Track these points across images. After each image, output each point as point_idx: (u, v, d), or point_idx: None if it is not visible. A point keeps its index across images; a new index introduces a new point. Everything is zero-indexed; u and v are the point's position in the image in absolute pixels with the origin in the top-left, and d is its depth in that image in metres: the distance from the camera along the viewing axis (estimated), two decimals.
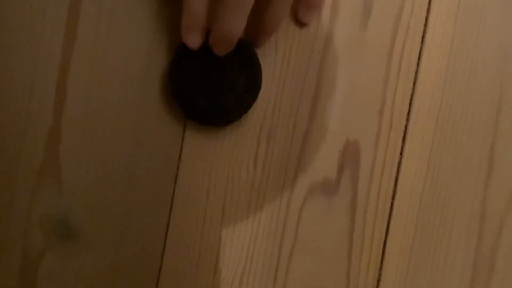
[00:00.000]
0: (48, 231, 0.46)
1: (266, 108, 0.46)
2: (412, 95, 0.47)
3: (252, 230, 0.47)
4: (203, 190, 0.47)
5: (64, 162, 0.46)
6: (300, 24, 0.46)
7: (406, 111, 0.47)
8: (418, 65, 0.47)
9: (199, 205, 0.47)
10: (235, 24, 0.42)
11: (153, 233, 0.46)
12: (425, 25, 0.47)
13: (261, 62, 0.45)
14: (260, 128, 0.47)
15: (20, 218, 0.46)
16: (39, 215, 0.46)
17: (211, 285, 0.47)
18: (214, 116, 0.44)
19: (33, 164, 0.46)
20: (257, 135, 0.47)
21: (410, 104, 0.47)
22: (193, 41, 0.43)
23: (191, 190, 0.46)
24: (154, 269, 0.46)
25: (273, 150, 0.47)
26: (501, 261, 0.48)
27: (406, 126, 0.47)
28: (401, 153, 0.47)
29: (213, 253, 0.47)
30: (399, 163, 0.47)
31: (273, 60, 0.46)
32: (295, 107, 0.47)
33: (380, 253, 0.47)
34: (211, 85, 0.44)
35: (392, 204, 0.47)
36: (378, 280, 0.47)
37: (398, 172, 0.47)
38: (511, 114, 0.48)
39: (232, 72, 0.44)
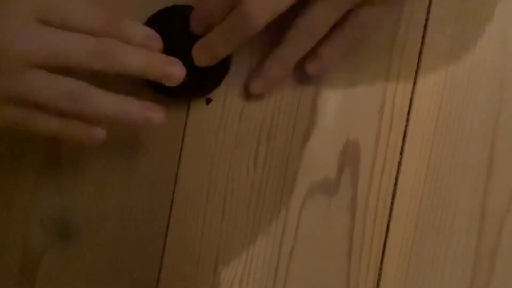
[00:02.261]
0: (48, 231, 0.46)
1: (266, 108, 0.46)
2: (412, 95, 0.47)
3: (252, 230, 0.47)
4: (203, 190, 0.47)
5: (64, 162, 0.46)
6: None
7: (406, 111, 0.47)
8: (418, 65, 0.47)
9: (199, 205, 0.47)
10: (226, 44, 0.41)
11: (153, 233, 0.46)
12: (425, 25, 0.47)
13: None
14: (260, 128, 0.46)
15: (20, 218, 0.46)
16: (39, 215, 0.46)
17: (211, 285, 0.47)
18: (181, 87, 0.43)
19: (33, 164, 0.46)
20: (257, 135, 0.46)
21: (410, 104, 0.47)
22: (200, 30, 0.43)
23: (191, 190, 0.46)
24: (154, 269, 0.46)
25: (273, 150, 0.47)
26: (501, 261, 0.48)
27: (406, 126, 0.47)
28: (401, 153, 0.47)
29: (213, 253, 0.47)
30: (399, 163, 0.47)
31: None
32: (295, 107, 0.47)
33: (380, 253, 0.47)
34: (181, 59, 0.42)
35: (392, 204, 0.47)
36: (378, 280, 0.47)
37: (398, 172, 0.47)
38: (511, 114, 0.48)
39: None
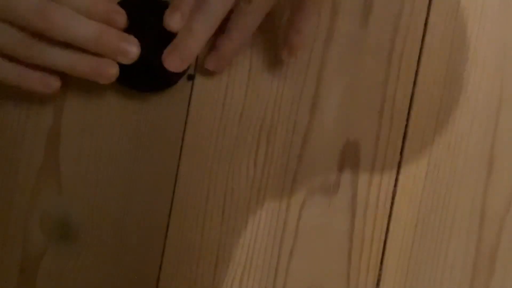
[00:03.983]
0: (48, 231, 0.46)
1: (266, 108, 0.46)
2: (412, 95, 0.47)
3: (252, 230, 0.47)
4: (203, 190, 0.47)
5: (64, 162, 0.46)
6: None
7: (406, 111, 0.47)
8: (418, 65, 0.47)
9: (199, 205, 0.47)
10: (202, 32, 0.41)
11: (153, 233, 0.46)
12: (425, 25, 0.47)
13: (262, 63, 0.46)
14: (260, 128, 0.47)
15: (20, 218, 0.46)
16: (39, 215, 0.46)
17: (211, 285, 0.47)
18: (141, 78, 0.43)
19: (33, 164, 0.46)
20: (257, 135, 0.47)
21: (410, 104, 0.47)
22: (175, 23, 0.42)
23: (191, 190, 0.46)
24: (154, 269, 0.46)
25: (273, 150, 0.47)
26: (501, 261, 0.48)
27: (406, 126, 0.47)
28: (401, 153, 0.47)
29: (213, 253, 0.47)
30: (399, 163, 0.47)
31: (272, 60, 0.46)
32: (295, 107, 0.47)
33: (380, 253, 0.47)
34: (144, 48, 0.42)
35: (392, 204, 0.47)
36: (378, 280, 0.47)
37: (398, 172, 0.47)
38: (511, 114, 0.48)
39: (168, 37, 0.42)
